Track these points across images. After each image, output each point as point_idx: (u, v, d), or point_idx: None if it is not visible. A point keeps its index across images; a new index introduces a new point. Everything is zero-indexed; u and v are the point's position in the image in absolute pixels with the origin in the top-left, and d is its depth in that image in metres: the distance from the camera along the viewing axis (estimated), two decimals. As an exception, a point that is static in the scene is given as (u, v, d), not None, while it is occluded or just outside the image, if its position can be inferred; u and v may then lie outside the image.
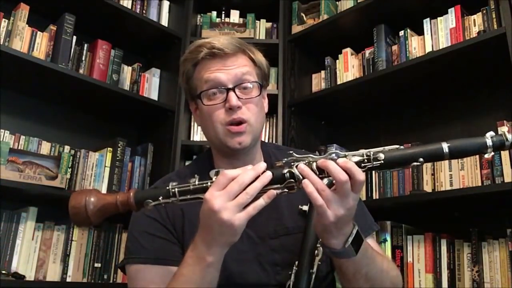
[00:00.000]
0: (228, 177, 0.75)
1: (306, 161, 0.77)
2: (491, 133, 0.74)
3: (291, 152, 0.79)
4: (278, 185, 0.76)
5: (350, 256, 0.80)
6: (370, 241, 0.99)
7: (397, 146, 0.77)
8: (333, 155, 0.76)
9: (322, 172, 0.75)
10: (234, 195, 0.74)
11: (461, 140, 0.75)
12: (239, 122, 0.97)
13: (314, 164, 0.76)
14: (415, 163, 0.75)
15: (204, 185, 0.77)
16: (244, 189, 0.74)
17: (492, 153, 0.74)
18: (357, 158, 0.76)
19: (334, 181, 0.74)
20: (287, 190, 0.77)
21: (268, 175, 0.76)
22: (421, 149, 0.75)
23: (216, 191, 0.74)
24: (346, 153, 0.77)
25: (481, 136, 0.74)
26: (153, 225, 0.96)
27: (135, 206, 0.78)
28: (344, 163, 0.74)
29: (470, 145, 0.74)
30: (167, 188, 0.78)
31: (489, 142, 0.73)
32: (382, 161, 0.75)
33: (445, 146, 0.74)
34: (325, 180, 0.75)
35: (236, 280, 0.91)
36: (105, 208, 0.79)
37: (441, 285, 1.59)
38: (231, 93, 0.97)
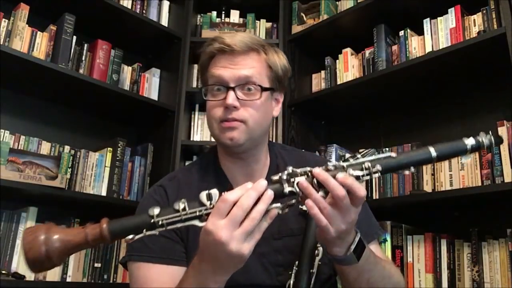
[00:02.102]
0: (229, 202, 0.69)
1: (304, 174, 0.74)
2: (471, 139, 0.79)
3: (286, 161, 0.79)
4: (279, 204, 0.73)
5: (352, 263, 0.80)
6: (373, 247, 0.98)
7: (389, 153, 0.78)
8: (331, 166, 0.74)
9: (320, 185, 0.73)
10: (238, 222, 0.69)
11: (444, 144, 0.80)
12: (233, 120, 0.95)
13: (315, 179, 0.73)
14: (407, 172, 0.78)
15: (198, 213, 0.70)
16: (248, 212, 0.70)
17: (471, 155, 0.79)
18: (357, 173, 0.74)
19: (333, 196, 0.72)
20: (287, 209, 0.74)
21: (270, 194, 0.71)
22: (412, 156, 0.79)
23: (218, 220, 0.69)
24: (345, 164, 0.75)
25: (461, 141, 0.79)
26: None
27: (109, 240, 0.68)
28: (344, 179, 0.72)
29: (452, 149, 0.80)
30: (151, 219, 0.69)
31: (469, 147, 0.79)
32: (380, 172, 0.76)
33: (432, 150, 0.78)
34: (321, 193, 0.73)
35: (238, 279, 0.90)
36: (71, 246, 0.67)
37: (441, 285, 1.59)
38: (230, 92, 0.95)
